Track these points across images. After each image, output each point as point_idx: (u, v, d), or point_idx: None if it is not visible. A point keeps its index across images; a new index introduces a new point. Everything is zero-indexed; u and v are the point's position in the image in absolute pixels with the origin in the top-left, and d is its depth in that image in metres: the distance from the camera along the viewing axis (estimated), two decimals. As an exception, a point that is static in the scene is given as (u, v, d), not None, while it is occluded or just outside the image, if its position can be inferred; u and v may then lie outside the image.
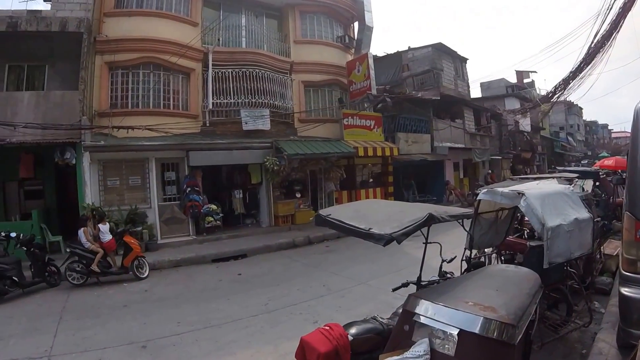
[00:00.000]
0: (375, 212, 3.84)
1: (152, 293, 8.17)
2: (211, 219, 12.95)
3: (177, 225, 12.77)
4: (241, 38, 14.54)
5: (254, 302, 7.02)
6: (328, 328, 3.21)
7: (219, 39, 13.74)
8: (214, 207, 13.13)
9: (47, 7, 13.88)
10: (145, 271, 9.30)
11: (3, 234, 9.10)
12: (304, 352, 3.14)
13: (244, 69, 13.87)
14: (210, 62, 13.29)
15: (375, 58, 17.95)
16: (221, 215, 13.33)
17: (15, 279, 8.23)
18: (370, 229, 3.21)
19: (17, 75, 12.69)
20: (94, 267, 8.77)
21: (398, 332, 2.95)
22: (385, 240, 3.04)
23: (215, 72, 13.44)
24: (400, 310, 3.11)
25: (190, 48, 12.74)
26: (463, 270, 5.00)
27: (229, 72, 13.71)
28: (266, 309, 6.62)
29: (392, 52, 23.43)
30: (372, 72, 15.82)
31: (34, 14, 12.40)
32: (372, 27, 17.71)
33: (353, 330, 3.32)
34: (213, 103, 13.28)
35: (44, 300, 8.15)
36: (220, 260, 10.63)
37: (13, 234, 9.07)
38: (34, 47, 12.30)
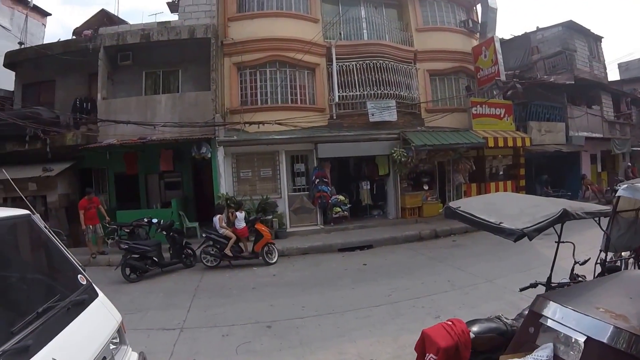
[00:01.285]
0: (507, 205, 3.71)
1: (279, 278, 8.57)
2: (339, 209, 13.00)
3: (306, 214, 13.09)
4: (362, 30, 14.34)
5: (377, 292, 7.01)
6: (450, 323, 3.09)
7: (340, 33, 13.73)
8: (341, 198, 13.16)
9: (175, 17, 15.00)
10: (274, 257, 9.74)
11: (146, 219, 10.15)
12: (424, 345, 3.08)
13: (367, 61, 13.63)
14: (334, 56, 13.29)
15: (502, 41, 16.71)
16: (349, 206, 13.35)
17: (156, 259, 9.25)
18: (500, 223, 3.11)
19: (153, 80, 13.91)
20: (227, 252, 9.40)
21: (522, 334, 2.79)
22: (516, 235, 2.93)
23: (339, 66, 13.40)
24: (526, 312, 2.96)
25: (313, 44, 12.85)
26: (596, 274, 4.44)
27: (352, 65, 13.56)
28: (389, 300, 6.57)
29: (519, 34, 21.70)
30: (499, 57, 14.74)
31: (164, 25, 13.51)
32: (496, 9, 16.46)
33: (475, 328, 3.18)
34: (339, 96, 13.25)
35: (179, 279, 9.03)
36: (347, 250, 10.69)
37: (155, 220, 10.12)
38: (167, 54, 13.29)
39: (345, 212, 13.17)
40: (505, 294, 6.30)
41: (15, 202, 13.88)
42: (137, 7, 78.87)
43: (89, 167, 14.14)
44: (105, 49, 13.19)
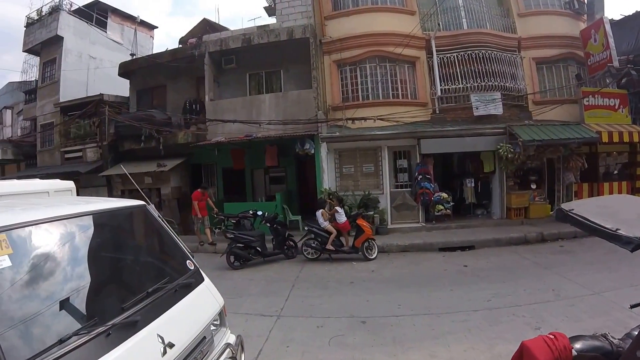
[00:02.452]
0: (625, 210, 3.31)
1: (378, 274, 8.49)
2: (441, 207, 12.68)
3: (407, 211, 12.94)
4: (461, 19, 13.84)
5: (476, 296, 6.69)
6: (552, 337, 2.85)
7: (439, 24, 13.37)
8: (445, 195, 12.82)
9: (273, 20, 15.72)
10: (374, 253, 9.73)
11: (251, 212, 10.78)
12: (522, 358, 2.86)
13: (469, 51, 13.16)
14: (434, 48, 12.99)
15: (611, 22, 15.35)
16: (451, 204, 12.95)
17: (259, 249, 9.81)
18: (617, 229, 2.73)
19: (257, 81, 14.70)
20: (329, 246, 9.63)
21: (628, 357, 2.51)
22: (634, 245, 2.56)
23: (440, 58, 13.06)
24: (636, 332, 2.72)
25: (411, 37, 12.62)
26: None
27: (453, 57, 13.17)
28: (488, 306, 6.22)
29: (630, 13, 19.90)
30: (611, 41, 13.40)
31: (263, 28, 14.17)
32: (603, -15, 15.32)
33: (578, 345, 2.88)
34: (441, 89, 12.93)
35: (280, 269, 9.41)
36: (447, 250, 10.39)
37: (260, 212, 10.74)
38: (268, 56, 13.97)
39: (448, 211, 12.83)
40: (613, 310, 5.73)
41: (133, 194, 15.36)
42: (236, 14, 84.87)
43: (199, 163, 15.42)
44: (210, 54, 14.23)
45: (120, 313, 2.43)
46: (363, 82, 13.24)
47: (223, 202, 13.83)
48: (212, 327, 3.19)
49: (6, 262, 2.20)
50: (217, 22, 18.16)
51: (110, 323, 2.26)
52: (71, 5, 20.68)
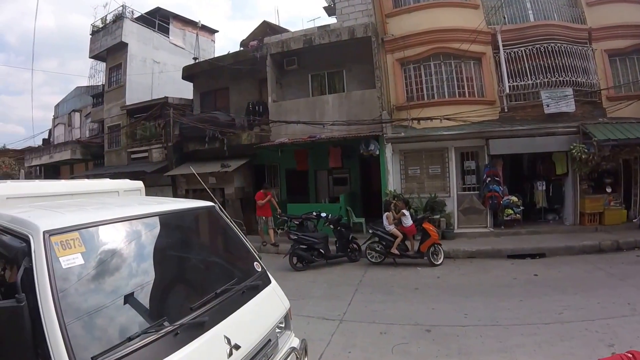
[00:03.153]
0: None
1: (443, 280, 8.30)
2: (511, 211, 12.22)
3: (475, 215, 12.58)
4: (527, 11, 13.33)
5: (547, 308, 6.31)
6: (630, 356, 2.58)
7: (504, 17, 12.95)
8: (514, 199, 12.34)
9: (333, 20, 15.87)
10: (439, 258, 9.50)
11: (315, 213, 10.93)
12: None
13: (537, 45, 12.67)
14: (500, 43, 12.61)
15: None
16: (521, 208, 12.44)
17: (322, 251, 9.82)
18: None
19: (319, 82, 14.93)
20: (393, 250, 9.48)
21: None
22: None
23: (507, 53, 12.68)
24: None
25: (476, 32, 12.28)
26: None
27: (521, 51, 12.75)
28: (559, 319, 5.85)
29: None
30: None
31: (324, 28, 14.27)
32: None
33: None
34: (509, 86, 12.54)
35: (343, 272, 9.36)
36: (516, 257, 9.97)
37: (324, 214, 10.83)
38: (330, 56, 14.14)
39: (518, 215, 12.33)
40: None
41: (197, 194, 16.03)
42: (295, 15, 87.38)
43: (262, 164, 15.85)
44: (271, 56, 14.57)
45: (189, 313, 2.50)
46: (427, 80, 13.08)
47: (286, 203, 14.05)
48: (277, 330, 3.22)
49: (79, 260, 2.31)
50: (277, 24, 18.56)
51: (178, 323, 2.34)
52: (133, 13, 21.85)
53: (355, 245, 10.35)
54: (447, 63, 13.04)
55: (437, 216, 11.85)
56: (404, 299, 7.09)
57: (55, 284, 2.08)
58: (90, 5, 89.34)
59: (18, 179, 29.98)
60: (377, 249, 9.75)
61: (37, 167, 27.97)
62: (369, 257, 9.84)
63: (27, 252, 2.24)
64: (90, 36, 22.73)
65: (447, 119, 12.08)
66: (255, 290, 3.14)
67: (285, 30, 16.97)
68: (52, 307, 2.00)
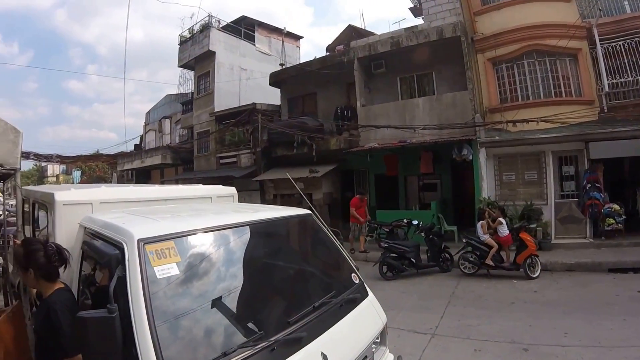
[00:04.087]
0: None
1: (540, 295, 7.91)
2: (612, 221, 11.38)
3: (574, 225, 11.94)
4: (623, 2, 12.56)
5: None
6: None
7: (599, 10, 12.23)
8: (616, 207, 11.52)
9: (419, 21, 15.98)
10: (536, 271, 9.07)
11: (406, 220, 10.97)
12: None
13: (636, 38, 11.91)
14: (597, 37, 11.96)
15: None
16: (623, 217, 11.56)
17: (413, 260, 9.67)
18: None
19: (408, 85, 15.05)
20: (488, 260, 9.15)
21: None
22: None
23: (604, 48, 12.04)
24: None
25: (571, 26, 11.83)
26: None
27: (619, 45, 12.03)
28: None
29: None
30: None
31: (411, 30, 14.31)
32: None
33: None
34: (609, 84, 11.87)
35: (435, 283, 9.19)
36: (618, 271, 9.24)
37: (415, 222, 10.83)
38: (418, 58, 14.12)
39: (620, 225, 11.42)
40: None
41: (284, 199, 16.89)
42: (380, 18, 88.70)
43: (351, 169, 16.19)
44: (358, 60, 14.91)
45: (286, 327, 2.47)
46: (521, 80, 12.76)
47: (375, 209, 14.15)
48: (373, 346, 3.13)
49: (173, 270, 2.31)
50: (362, 27, 19.08)
51: (274, 338, 2.31)
52: (220, 23, 23.38)
53: (447, 255, 10.14)
54: (541, 61, 12.66)
55: (534, 225, 11.33)
56: (499, 314, 6.83)
57: (148, 295, 2.10)
58: (177, 17, 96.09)
59: (111, 182, 32.98)
60: (471, 259, 9.45)
61: (129, 171, 30.48)
62: (461, 267, 9.58)
63: (121, 260, 2.27)
64: (179, 46, 24.67)
65: (544, 120, 11.67)
66: (353, 303, 3.10)
67: (371, 34, 17.28)
68: (145, 319, 2.02)
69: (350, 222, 12.28)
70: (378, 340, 3.23)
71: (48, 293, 2.67)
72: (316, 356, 2.44)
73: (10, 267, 4.63)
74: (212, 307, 2.38)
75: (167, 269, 2.29)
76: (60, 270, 2.77)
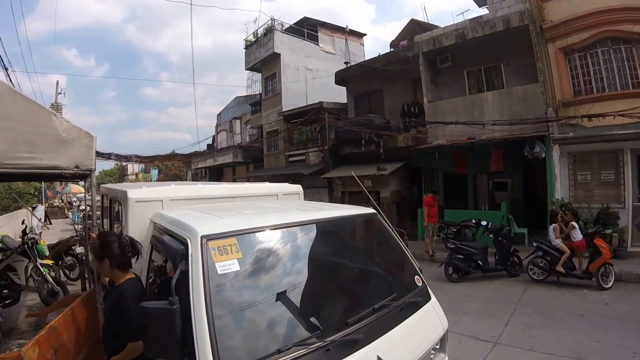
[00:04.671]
0: None
1: (612, 308, 7.39)
2: None
3: None
4: None
5: None
6: None
7: None
8: None
9: (484, 11, 15.45)
10: (609, 281, 8.48)
11: (474, 221, 10.74)
12: None
13: None
14: None
15: None
16: None
17: (480, 262, 9.42)
18: None
19: (476, 78, 14.75)
20: (559, 267, 8.67)
21: None
22: None
23: None
24: None
25: None
26: None
27: None
28: None
29: None
30: None
31: (476, 20, 13.96)
32: None
33: None
34: None
35: (501, 288, 8.85)
36: None
37: (484, 222, 10.54)
38: (485, 50, 13.80)
39: None
40: None
41: (352, 196, 17.35)
42: (444, 10, 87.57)
43: (418, 167, 16.27)
44: (423, 54, 14.84)
45: (343, 328, 2.49)
46: (596, 70, 11.97)
47: (443, 208, 13.80)
48: (432, 352, 3.09)
49: (234, 266, 2.41)
50: (425, 21, 19.06)
51: (330, 339, 2.34)
52: (282, 25, 24.38)
53: (516, 259, 9.74)
54: (616, 49, 11.79)
55: (609, 231, 10.61)
56: (566, 326, 6.46)
57: (209, 290, 2.21)
58: (241, 22, 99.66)
59: (186, 179, 35.16)
60: (541, 264, 8.98)
61: (203, 169, 32.55)
62: (530, 272, 9.15)
63: (185, 255, 2.41)
64: (244, 50, 25.97)
65: (621, 115, 10.85)
66: (414, 307, 3.07)
67: (435, 27, 17.09)
68: (204, 313, 2.13)
69: (425, 223, 12.05)
70: (438, 347, 3.17)
71: (120, 281, 2.97)
72: (372, 359, 2.46)
73: (90, 257, 5.14)
74: (270, 304, 2.47)
75: (228, 265, 2.40)
76: (132, 260, 3.07)
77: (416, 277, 3.39)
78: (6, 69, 14.72)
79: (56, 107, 27.71)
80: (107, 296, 3.20)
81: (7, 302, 7.44)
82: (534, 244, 9.27)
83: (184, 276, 2.31)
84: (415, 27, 18.00)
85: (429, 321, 3.17)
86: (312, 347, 2.25)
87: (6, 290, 7.55)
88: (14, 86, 11.10)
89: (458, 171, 14.88)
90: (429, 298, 3.33)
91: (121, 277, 2.98)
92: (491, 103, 13.33)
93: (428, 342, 3.00)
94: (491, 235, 10.07)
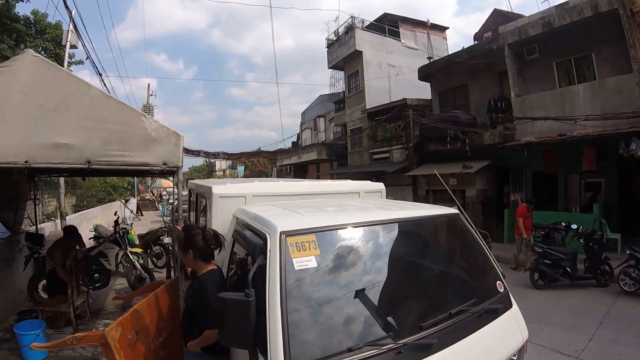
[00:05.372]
0: None
1: None
2: None
3: None
4: None
5: None
6: None
7: None
8: None
9: (572, -4, 15.08)
10: None
11: (564, 224, 10.28)
12: None
13: None
14: None
15: None
16: None
17: (568, 269, 8.93)
18: None
19: (565, 70, 14.15)
20: None
21: None
22: None
23: None
24: None
25: None
26: None
27: None
28: None
29: None
30: None
31: (562, 7, 13.54)
32: None
33: None
34: None
35: (588, 298, 8.31)
36: None
37: (574, 226, 10.03)
38: (574, 39, 13.16)
39: None
40: None
41: (437, 195, 17.61)
42: None
43: (506, 165, 15.85)
44: (509, 46, 14.54)
45: (417, 332, 2.49)
46: None
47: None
48: None
49: (312, 263, 2.48)
50: (509, 10, 18.74)
51: (402, 341, 2.36)
52: (363, 22, 24.99)
53: (607, 267, 9.08)
54: None
55: None
56: None
57: (285, 284, 2.31)
58: (322, 22, 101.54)
59: (271, 176, 36.98)
60: (633, 275, 8.35)
61: (287, 166, 34.18)
62: (621, 283, 8.52)
63: (263, 250, 2.53)
64: (326, 49, 27.03)
65: None
66: (493, 314, 2.99)
67: (520, 16, 16.75)
68: (278, 306, 2.23)
69: (515, 235, 11.37)
70: (515, 358, 3.08)
71: (202, 272, 3.16)
72: None
73: (175, 247, 5.43)
74: (344, 302, 2.51)
75: (306, 261, 2.46)
76: (215, 252, 3.26)
77: (498, 282, 3.32)
78: (100, 75, 16.71)
79: (148, 108, 30.08)
80: (189, 285, 3.42)
81: (97, 285, 8.17)
82: (627, 252, 8.66)
83: (262, 270, 2.44)
84: (499, 18, 17.80)
85: (508, 330, 3.09)
86: (384, 349, 2.29)
87: (97, 275, 8.31)
88: (107, 90, 12.76)
89: (548, 170, 14.29)
90: (510, 305, 3.24)
91: (203, 268, 3.18)
92: (582, 96, 12.81)
93: (505, 353, 2.93)
94: (581, 240, 9.53)
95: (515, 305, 3.28)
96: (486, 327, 2.85)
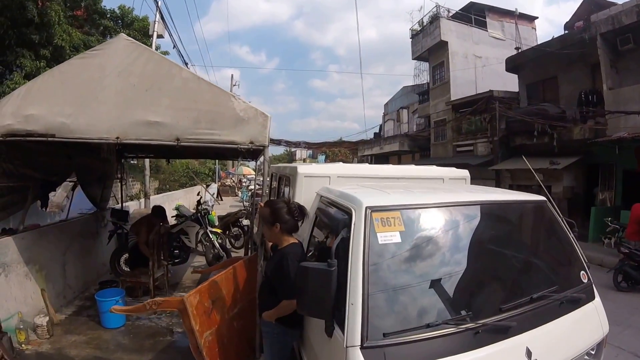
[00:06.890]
0: None
1: None
2: None
3: None
4: None
5: None
6: None
7: None
8: None
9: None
10: None
11: None
12: None
13: None
14: None
15: None
16: None
17: None
18: None
19: None
20: None
21: None
22: None
23: None
24: None
25: None
26: None
27: None
28: None
29: None
30: None
31: None
32: None
33: None
34: None
35: None
36: None
37: None
38: None
39: None
40: None
41: (520, 190, 17.58)
42: None
43: (595, 162, 15.42)
44: (601, 36, 14.22)
45: (497, 313, 2.56)
46: None
47: (620, 209, 13.24)
48: (586, 357, 2.99)
49: (396, 238, 2.58)
50: (602, -2, 18.11)
51: (482, 322, 2.43)
52: (449, 12, 25.26)
53: None
54: None
55: None
56: None
57: (368, 256, 2.42)
58: (406, 12, 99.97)
59: (351, 165, 37.92)
60: None
61: (369, 157, 35.20)
62: None
63: (347, 224, 2.66)
64: (411, 40, 27.56)
65: None
66: (575, 304, 3.01)
67: (613, 4, 16.19)
68: (360, 277, 2.34)
69: (625, 236, 10.62)
70: (593, 352, 3.07)
71: (284, 245, 3.31)
72: (520, 349, 2.48)
73: (254, 229, 5.61)
74: (424, 279, 2.60)
75: (390, 236, 2.56)
76: (299, 224, 3.42)
77: (582, 272, 3.31)
78: (186, 64, 17.55)
79: (231, 97, 31.77)
80: (271, 257, 3.57)
81: (177, 260, 8.66)
82: None
83: (345, 242, 2.56)
84: (591, 6, 17.11)
85: (589, 322, 3.08)
86: (462, 328, 2.36)
87: (177, 251, 8.80)
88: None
89: (640, 168, 13.83)
90: (593, 297, 3.23)
91: (285, 241, 3.32)
92: None
93: (584, 344, 2.93)
94: None
95: (597, 298, 3.27)
96: (567, 315, 2.89)
